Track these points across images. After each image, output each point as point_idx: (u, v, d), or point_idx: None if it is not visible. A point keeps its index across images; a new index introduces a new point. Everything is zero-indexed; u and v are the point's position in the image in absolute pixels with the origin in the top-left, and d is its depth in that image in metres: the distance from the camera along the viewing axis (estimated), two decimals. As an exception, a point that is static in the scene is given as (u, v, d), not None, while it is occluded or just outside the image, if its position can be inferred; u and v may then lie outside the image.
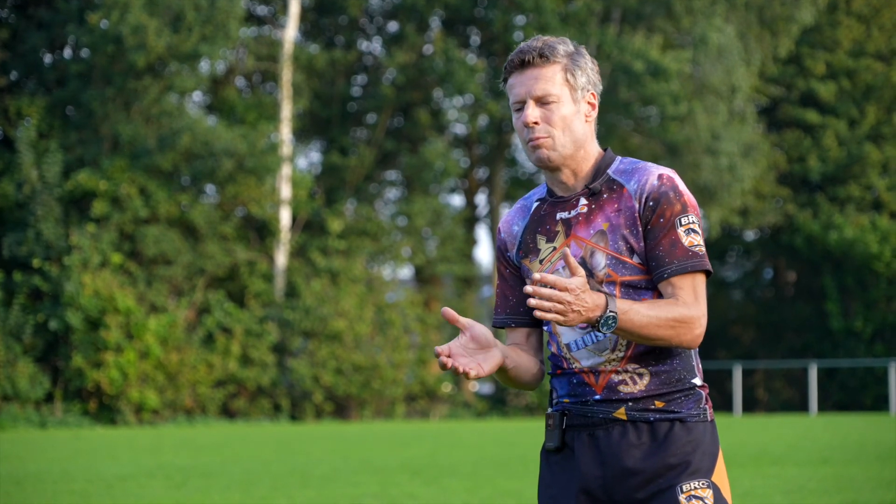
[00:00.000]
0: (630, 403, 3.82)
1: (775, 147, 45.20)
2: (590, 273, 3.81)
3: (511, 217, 4.05)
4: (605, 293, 3.72)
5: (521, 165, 45.16)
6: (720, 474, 3.84)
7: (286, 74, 38.42)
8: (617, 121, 40.90)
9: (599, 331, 3.69)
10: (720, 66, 39.07)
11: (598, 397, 3.85)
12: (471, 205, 44.21)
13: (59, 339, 33.94)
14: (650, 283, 3.82)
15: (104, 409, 33.89)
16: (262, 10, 42.26)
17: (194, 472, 17.04)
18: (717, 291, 48.15)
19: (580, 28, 39.39)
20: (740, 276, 49.41)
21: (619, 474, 3.81)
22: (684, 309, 3.76)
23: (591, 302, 3.64)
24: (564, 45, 3.89)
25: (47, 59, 36.48)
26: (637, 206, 3.82)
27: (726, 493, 3.84)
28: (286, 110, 38.33)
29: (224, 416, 36.05)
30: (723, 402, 44.57)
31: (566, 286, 3.61)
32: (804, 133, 45.24)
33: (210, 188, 37.47)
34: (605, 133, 40.56)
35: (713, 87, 39.35)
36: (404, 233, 41.10)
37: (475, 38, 43.03)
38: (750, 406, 44.20)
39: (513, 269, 4.03)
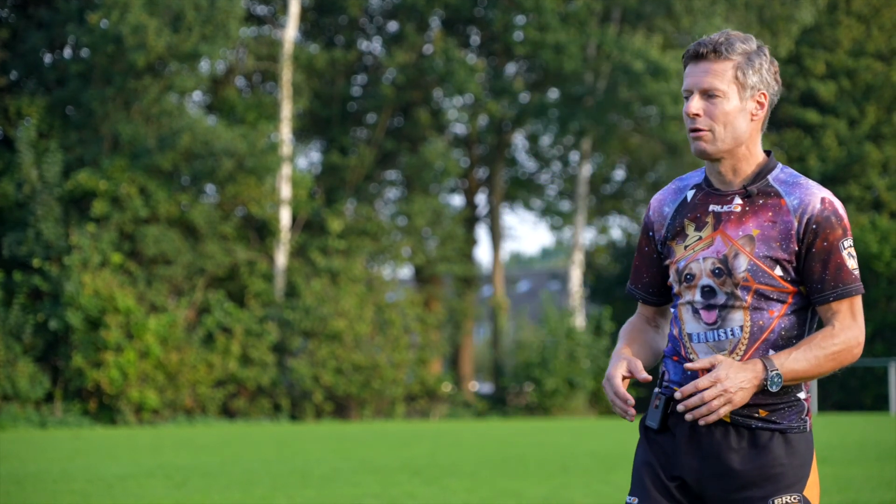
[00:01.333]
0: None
1: (775, 147, 45.20)
2: (728, 272, 3.92)
3: (663, 197, 4.13)
4: (759, 358, 3.86)
5: (521, 165, 45.18)
6: (812, 486, 3.95)
7: (286, 74, 38.42)
8: (617, 121, 40.91)
9: (770, 390, 3.85)
10: (720, 65, 39.05)
11: None
12: (471, 205, 44.20)
13: (59, 339, 33.94)
14: (783, 295, 3.92)
15: (104, 408, 33.89)
16: (261, 9, 42.26)
17: (194, 472, 17.04)
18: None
19: (580, 28, 39.40)
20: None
21: (715, 473, 3.92)
22: (842, 337, 3.90)
23: (749, 374, 3.83)
24: (744, 43, 3.97)
25: (47, 58, 36.48)
26: (795, 223, 3.91)
27: (816, 502, 3.96)
28: (286, 110, 38.33)
29: (224, 415, 36.06)
30: (723, 402, 44.59)
31: (713, 378, 3.82)
32: (804, 133, 45.25)
33: (210, 188, 37.47)
34: (606, 133, 40.58)
35: (713, 87, 39.32)
36: (404, 233, 41.10)
37: (475, 38, 43.03)
38: (750, 406, 44.16)
39: (653, 248, 4.13)
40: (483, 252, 73.50)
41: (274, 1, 41.79)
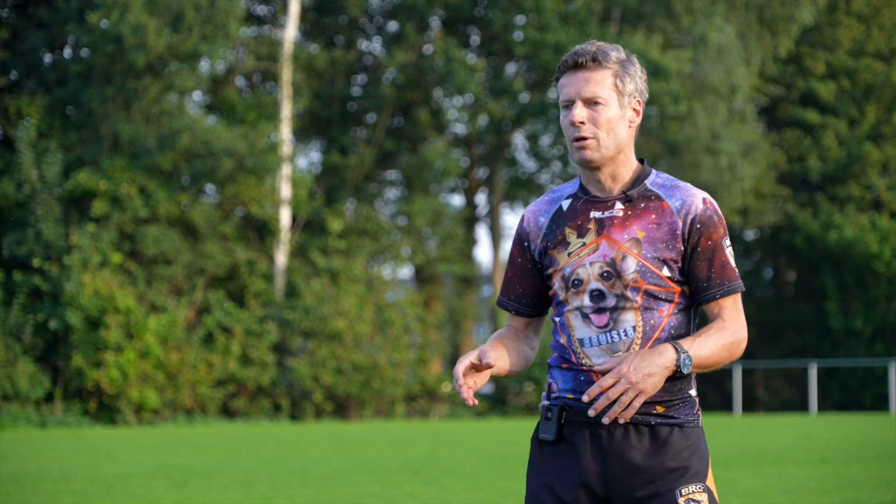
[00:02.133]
0: None
1: (775, 147, 45.20)
2: (617, 274, 3.97)
3: (538, 208, 4.17)
4: (668, 342, 3.92)
5: (521, 165, 45.17)
6: (711, 479, 4.03)
7: (286, 74, 38.42)
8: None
9: (682, 374, 3.90)
10: (720, 65, 39.08)
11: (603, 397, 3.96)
12: (471, 204, 44.20)
13: (59, 339, 33.93)
14: (670, 294, 4.00)
15: (104, 408, 33.88)
16: (262, 9, 42.26)
17: (194, 471, 17.04)
18: (717, 291, 48.08)
19: (580, 28, 39.39)
20: (740, 275, 49.36)
21: (620, 473, 3.94)
22: (731, 330, 4.03)
23: (657, 358, 3.88)
24: (617, 52, 4.05)
25: (47, 58, 36.47)
26: (680, 224, 4.00)
27: (716, 496, 4.02)
28: (286, 110, 38.33)
29: (224, 415, 36.06)
30: (723, 402, 44.57)
31: (616, 375, 3.86)
32: (804, 133, 45.24)
33: (210, 188, 37.47)
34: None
35: (713, 87, 39.36)
36: (404, 232, 41.10)
37: (475, 38, 43.03)
38: (750, 406, 44.20)
39: (527, 259, 4.16)
40: (483, 252, 73.46)
41: (274, 1, 41.79)
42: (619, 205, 4.02)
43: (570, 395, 4.01)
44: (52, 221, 33.71)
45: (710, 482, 3.99)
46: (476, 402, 3.98)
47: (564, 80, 4.03)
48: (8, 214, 34.32)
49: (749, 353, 46.05)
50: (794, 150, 45.12)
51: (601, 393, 3.89)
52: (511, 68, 43.63)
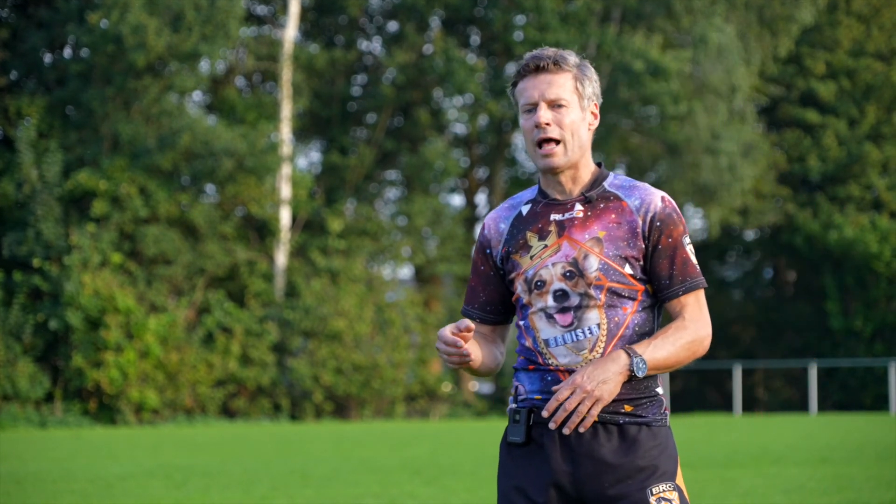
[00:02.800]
0: None
1: (775, 147, 45.19)
2: (580, 273, 4.00)
3: (498, 215, 4.20)
4: (621, 348, 3.96)
5: (521, 165, 45.17)
6: (681, 477, 4.06)
7: (286, 74, 38.41)
8: (617, 120, 40.90)
9: (636, 377, 3.94)
10: (720, 65, 39.07)
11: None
12: (471, 204, 44.21)
13: (59, 339, 33.94)
14: (633, 292, 4.03)
15: (104, 408, 33.89)
16: (261, 9, 42.26)
17: (194, 471, 17.05)
18: (717, 291, 48.13)
19: (580, 28, 39.39)
20: (740, 275, 49.41)
21: (590, 472, 3.97)
22: (693, 328, 4.03)
23: (610, 365, 3.92)
24: (573, 56, 4.10)
25: (47, 58, 36.47)
26: (640, 222, 4.02)
27: (686, 495, 4.05)
28: (286, 110, 38.33)
29: (224, 415, 36.06)
30: (723, 402, 44.58)
31: (571, 386, 3.90)
32: (804, 133, 45.23)
33: (210, 188, 37.47)
34: (605, 133, 40.56)
35: (713, 87, 39.35)
36: (404, 232, 41.10)
37: (475, 38, 43.03)
38: (750, 406, 44.20)
39: (490, 266, 4.20)
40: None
41: (274, 1, 41.79)
42: (578, 206, 4.05)
43: (538, 397, 4.03)
44: (52, 221, 33.71)
45: (679, 480, 4.02)
46: (471, 354, 3.97)
47: (525, 83, 4.08)
48: (8, 214, 34.32)
49: (749, 353, 46.07)
50: (794, 150, 45.12)
51: (559, 406, 3.93)
52: (511, 68, 43.62)
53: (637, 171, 45.48)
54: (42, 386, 33.06)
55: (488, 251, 4.18)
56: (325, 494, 13.78)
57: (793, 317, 45.74)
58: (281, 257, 37.61)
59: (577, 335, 3.99)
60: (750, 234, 48.12)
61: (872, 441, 22.26)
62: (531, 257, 4.05)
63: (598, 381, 3.89)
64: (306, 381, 36.37)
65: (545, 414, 3.92)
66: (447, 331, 3.97)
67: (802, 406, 43.05)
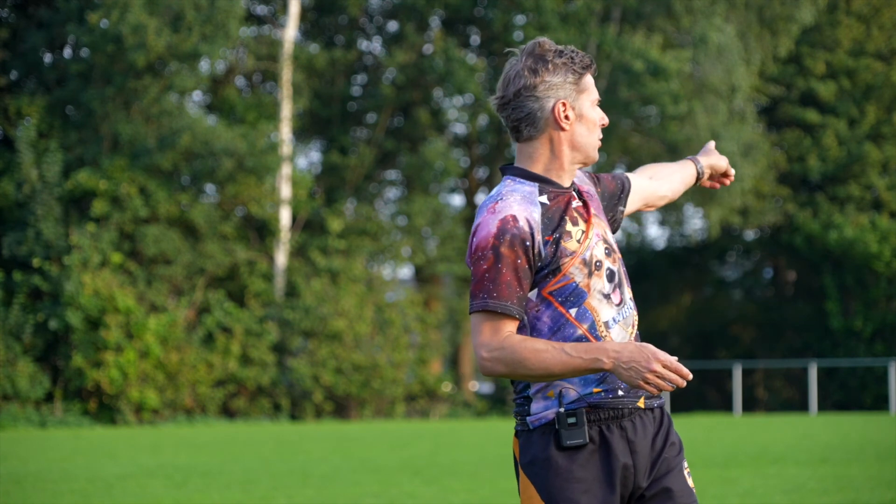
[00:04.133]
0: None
1: (775, 147, 45.18)
2: (613, 249, 4.16)
3: (524, 208, 4.09)
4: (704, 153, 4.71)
5: (521, 165, 45.14)
6: None
7: (286, 74, 38.42)
8: (617, 120, 40.89)
9: None
10: (720, 65, 39.07)
11: (624, 386, 4.04)
12: (471, 204, 44.20)
13: (59, 339, 33.93)
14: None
15: (104, 408, 33.89)
16: (261, 9, 42.25)
17: (194, 471, 17.04)
18: (717, 291, 48.14)
19: (580, 28, 39.38)
20: (740, 275, 49.41)
21: (645, 460, 4.06)
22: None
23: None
24: None
25: (47, 58, 36.47)
26: (596, 187, 4.34)
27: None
28: (286, 110, 38.33)
29: (224, 415, 36.06)
30: (723, 402, 44.57)
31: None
32: (804, 133, 45.22)
33: (210, 188, 37.47)
34: (606, 133, 40.52)
35: (713, 87, 39.34)
36: (404, 232, 41.09)
37: (475, 38, 43.02)
38: (750, 405, 44.20)
39: (527, 260, 4.02)
40: (483, 252, 73.46)
41: (274, 1, 41.79)
42: (574, 192, 4.19)
43: (597, 389, 4.01)
44: (52, 221, 33.71)
45: None
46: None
47: (589, 79, 4.20)
48: (8, 214, 34.32)
49: (749, 353, 46.07)
50: (794, 150, 45.11)
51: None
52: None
53: (637, 171, 45.45)
54: (42, 386, 33.06)
55: (528, 243, 4.01)
56: (325, 494, 13.78)
57: (793, 317, 45.74)
58: (281, 257, 37.62)
59: (624, 312, 4.08)
60: (750, 234, 48.11)
61: (872, 441, 22.26)
62: (577, 241, 4.07)
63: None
64: (306, 381, 36.37)
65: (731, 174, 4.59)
66: (668, 357, 3.93)
67: (802, 406, 43.05)
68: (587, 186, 4.26)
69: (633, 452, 4.02)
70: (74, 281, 33.24)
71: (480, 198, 45.11)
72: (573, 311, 4.00)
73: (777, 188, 44.96)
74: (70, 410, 33.40)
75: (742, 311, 47.83)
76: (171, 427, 33.55)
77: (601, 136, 4.19)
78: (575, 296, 4.01)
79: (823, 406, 42.09)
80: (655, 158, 42.72)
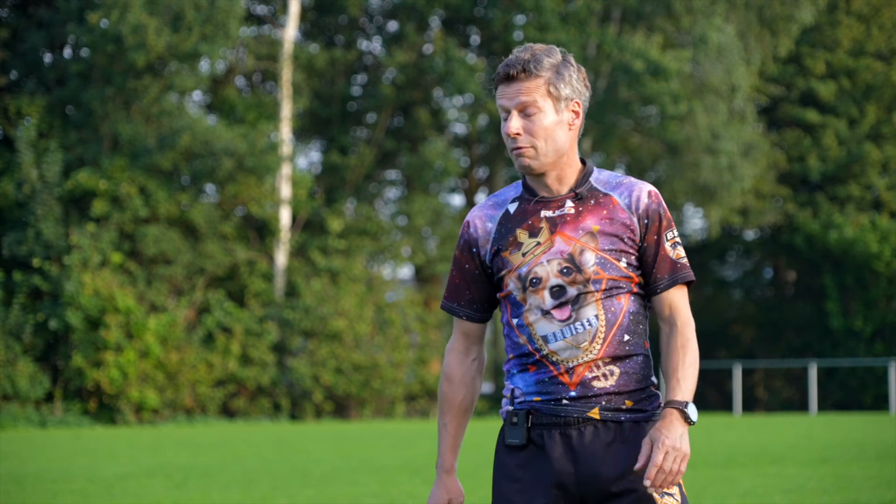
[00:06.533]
0: (604, 402, 3.99)
1: (775, 146, 45.19)
2: (577, 269, 4.00)
3: (483, 214, 4.17)
4: (665, 407, 3.95)
5: (521, 165, 45.17)
6: None
7: (286, 74, 38.42)
8: (617, 120, 40.90)
9: (693, 422, 3.97)
10: (720, 65, 39.07)
11: (572, 394, 4.00)
12: (471, 204, 44.21)
13: (59, 339, 33.94)
14: (628, 284, 4.04)
15: (104, 408, 33.89)
16: (261, 9, 42.26)
17: (194, 471, 17.05)
18: (717, 291, 48.13)
19: (580, 28, 39.38)
20: (740, 275, 49.41)
21: (593, 471, 3.98)
22: (688, 332, 4.05)
23: (677, 426, 3.92)
24: (550, 57, 4.06)
25: (47, 58, 36.47)
26: (632, 218, 4.05)
27: (684, 490, 4.07)
28: (286, 110, 38.33)
29: (224, 415, 36.06)
30: (723, 402, 44.57)
31: (663, 448, 3.87)
32: (804, 132, 45.23)
33: (210, 188, 37.47)
34: (605, 133, 40.58)
35: (713, 87, 39.34)
36: (404, 232, 41.10)
37: (475, 38, 43.03)
38: (750, 405, 44.21)
39: (476, 265, 4.16)
40: (483, 252, 73.56)
41: (274, 1, 41.79)
42: (569, 203, 4.06)
43: (537, 398, 4.03)
44: (52, 221, 33.71)
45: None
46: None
47: (499, 91, 4.06)
48: (8, 214, 34.33)
49: (749, 353, 46.07)
50: (794, 149, 45.12)
51: (657, 470, 3.90)
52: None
53: (637, 171, 45.53)
54: (42, 386, 33.06)
55: (475, 250, 4.14)
56: (325, 494, 13.78)
57: (793, 317, 45.74)
58: (281, 257, 37.62)
59: (575, 328, 3.98)
60: (750, 234, 48.11)
61: (872, 441, 22.26)
62: (523, 255, 4.04)
63: (680, 439, 3.89)
64: (306, 381, 36.37)
65: (647, 483, 3.86)
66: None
67: (802, 406, 43.06)
68: (609, 210, 4.05)
69: (578, 462, 3.96)
70: (74, 281, 33.24)
71: (480, 198, 45.12)
72: (515, 321, 4.08)
73: (777, 188, 44.97)
74: (70, 410, 33.40)
75: (742, 311, 47.85)
76: (171, 427, 33.55)
77: (514, 147, 4.03)
78: (516, 307, 4.07)
79: (823, 406, 42.10)
80: (655, 158, 42.73)
